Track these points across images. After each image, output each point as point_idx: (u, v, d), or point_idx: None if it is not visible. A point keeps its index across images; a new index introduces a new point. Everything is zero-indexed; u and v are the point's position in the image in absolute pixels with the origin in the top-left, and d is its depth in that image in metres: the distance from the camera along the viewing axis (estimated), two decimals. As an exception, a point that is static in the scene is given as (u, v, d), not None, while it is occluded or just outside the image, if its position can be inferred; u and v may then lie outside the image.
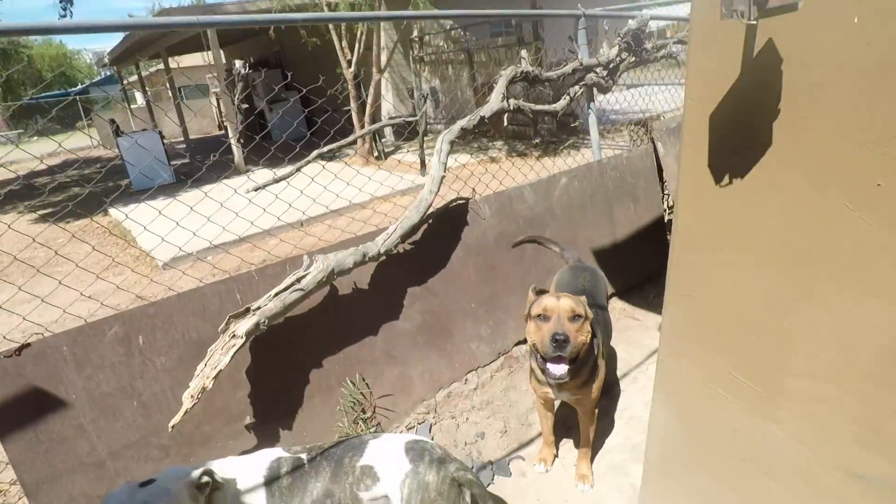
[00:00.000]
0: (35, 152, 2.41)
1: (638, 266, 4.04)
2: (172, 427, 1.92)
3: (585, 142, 9.69)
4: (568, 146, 9.65)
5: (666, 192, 4.67)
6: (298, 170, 2.94)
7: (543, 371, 1.94)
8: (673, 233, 1.66)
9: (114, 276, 5.32)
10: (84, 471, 1.93)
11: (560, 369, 1.86)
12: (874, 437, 1.30)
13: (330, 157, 10.42)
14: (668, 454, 1.85)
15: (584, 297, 2.03)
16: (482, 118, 3.07)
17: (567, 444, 2.53)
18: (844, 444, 1.37)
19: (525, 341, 3.34)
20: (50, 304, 2.21)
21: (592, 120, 4.07)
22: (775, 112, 1.28)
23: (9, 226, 2.27)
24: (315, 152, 3.00)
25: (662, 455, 1.87)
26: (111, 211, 7.97)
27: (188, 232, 2.96)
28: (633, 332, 3.42)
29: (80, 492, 1.93)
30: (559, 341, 1.82)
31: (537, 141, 10.18)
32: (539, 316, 1.93)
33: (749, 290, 1.46)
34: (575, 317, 1.91)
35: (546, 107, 3.86)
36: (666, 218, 4.54)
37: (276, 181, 2.97)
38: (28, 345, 1.80)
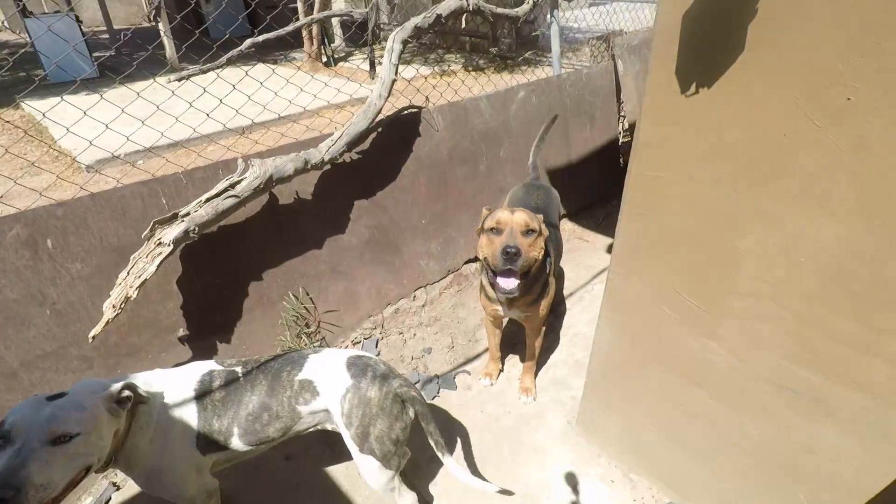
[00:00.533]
0: None
1: (590, 188, 4.03)
2: (93, 338, 1.77)
3: (544, 59, 9.36)
4: (526, 62, 9.30)
5: (622, 113, 4.59)
6: (229, 60, 2.62)
7: (493, 286, 1.88)
8: (633, 149, 1.58)
9: (30, 177, 4.83)
10: (-6, 382, 1.78)
11: (510, 283, 1.81)
12: (808, 354, 1.34)
13: (275, 60, 9.63)
14: (609, 368, 1.89)
15: (540, 216, 1.96)
16: (438, 16, 2.80)
17: (512, 360, 2.57)
18: (777, 360, 1.42)
19: (475, 259, 3.33)
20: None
21: (555, 29, 3.84)
22: (752, 11, 1.17)
23: None
24: (249, 41, 2.67)
25: (604, 369, 1.91)
26: (24, 104, 7.11)
27: (115, 133, 2.62)
28: (582, 253, 3.46)
29: (-8, 404, 1.78)
30: (510, 254, 1.75)
31: (494, 51, 9.72)
32: (492, 230, 1.85)
33: (704, 210, 1.42)
34: (528, 231, 1.85)
35: (508, 10, 3.58)
36: (620, 140, 4.50)
37: (204, 71, 2.65)
38: None
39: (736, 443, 1.61)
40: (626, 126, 4.48)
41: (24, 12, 8.56)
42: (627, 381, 1.85)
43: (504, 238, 1.80)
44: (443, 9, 2.83)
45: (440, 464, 2.03)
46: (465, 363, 2.55)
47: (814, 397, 1.38)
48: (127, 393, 1.35)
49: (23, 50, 9.48)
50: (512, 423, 2.19)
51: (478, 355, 2.60)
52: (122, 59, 8.83)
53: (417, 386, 2.29)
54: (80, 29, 8.86)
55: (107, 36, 11.77)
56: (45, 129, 6.21)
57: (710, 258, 1.46)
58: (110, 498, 1.97)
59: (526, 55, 9.60)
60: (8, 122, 6.46)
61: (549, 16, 3.85)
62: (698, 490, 1.78)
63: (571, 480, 1.94)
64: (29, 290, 1.79)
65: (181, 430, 1.49)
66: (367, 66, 8.79)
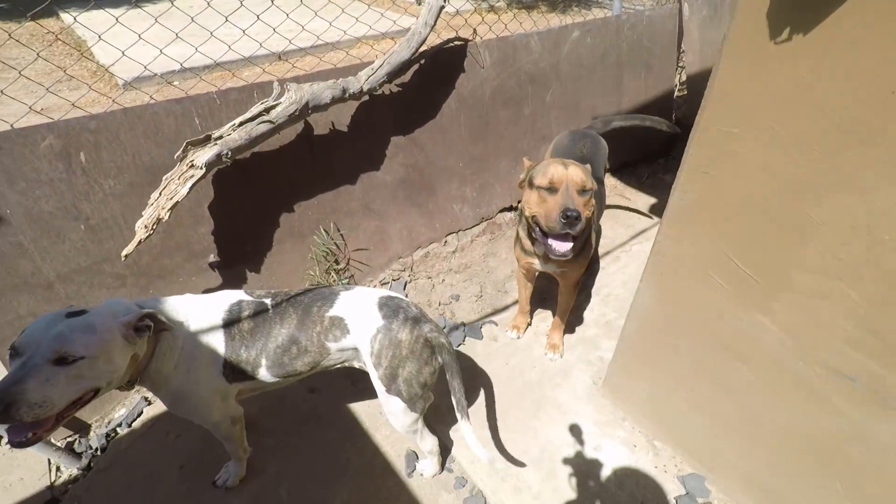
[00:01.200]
0: None
1: (637, 143, 3.80)
2: (125, 257, 1.76)
3: (600, 2, 8.74)
4: (578, 2, 8.70)
5: (681, 63, 4.26)
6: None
7: (544, 245, 1.75)
8: (704, 100, 1.42)
9: (68, 91, 4.81)
10: (30, 290, 1.80)
11: (564, 247, 1.68)
12: (874, 341, 1.24)
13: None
14: (645, 333, 1.81)
15: (588, 166, 1.82)
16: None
17: (540, 315, 2.52)
18: (836, 343, 1.31)
19: (510, 209, 3.21)
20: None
21: (620, -35, 3.51)
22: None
23: None
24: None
25: (640, 333, 1.84)
26: (63, 15, 7.02)
27: (151, 47, 2.52)
28: (621, 211, 3.30)
29: (28, 311, 1.81)
30: (570, 218, 1.61)
31: None
32: (545, 188, 1.71)
33: (779, 172, 1.28)
34: (584, 190, 1.70)
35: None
36: (676, 93, 4.20)
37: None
38: (-58, 146, 1.54)
39: (773, 423, 1.54)
40: (685, 78, 4.17)
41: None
42: (663, 348, 1.78)
43: (560, 199, 1.66)
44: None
45: (461, 410, 2.02)
46: (492, 314, 2.50)
47: (872, 387, 1.28)
48: (146, 322, 1.31)
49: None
50: (536, 379, 2.16)
51: (506, 307, 2.54)
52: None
53: (443, 332, 2.26)
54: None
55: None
56: (84, 42, 6.14)
57: (776, 226, 1.34)
58: (142, 412, 2.04)
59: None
60: (50, 31, 6.40)
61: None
62: (725, 465, 1.73)
63: (593, 441, 1.91)
64: (63, 203, 1.77)
65: (208, 357, 1.48)
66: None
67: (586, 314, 2.49)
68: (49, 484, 1.82)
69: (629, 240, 3.02)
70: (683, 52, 4.03)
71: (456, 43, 2.64)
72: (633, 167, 3.79)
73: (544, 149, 3.19)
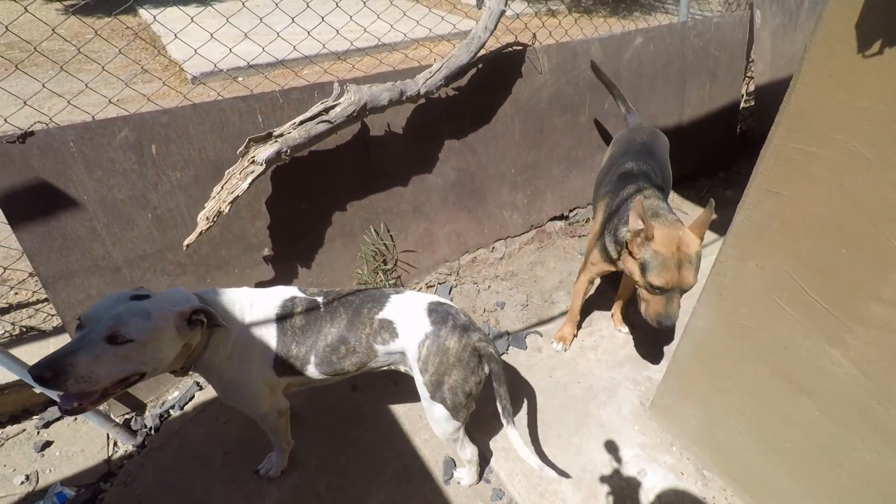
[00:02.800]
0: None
1: (697, 156, 3.66)
2: (187, 246, 1.83)
3: (659, 5, 8.48)
4: (640, 7, 8.46)
5: (750, 73, 4.07)
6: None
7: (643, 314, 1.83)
8: (780, 116, 1.34)
9: (142, 83, 5.08)
10: (100, 273, 1.91)
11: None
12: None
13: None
14: (700, 356, 1.73)
15: (698, 238, 1.80)
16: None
17: (585, 328, 2.45)
18: (918, 385, 1.21)
19: (561, 217, 3.15)
20: (60, 96, 2.02)
21: (690, -31, 3.38)
22: None
23: (25, 9, 1.97)
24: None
25: (694, 355, 1.76)
26: (142, 12, 7.44)
27: (220, 45, 2.63)
28: (678, 226, 3.18)
29: (98, 292, 1.92)
30: (664, 326, 1.75)
31: None
32: (654, 286, 1.73)
33: (862, 195, 1.19)
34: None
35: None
36: (742, 105, 4.02)
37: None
38: (32, 133, 1.65)
39: (839, 462, 1.44)
40: (752, 88, 3.99)
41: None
42: (719, 373, 1.69)
43: (663, 308, 1.74)
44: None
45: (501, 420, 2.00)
46: (537, 324, 2.46)
47: (958, 434, 1.18)
48: (200, 316, 1.35)
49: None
50: (580, 394, 2.11)
51: (552, 318, 2.49)
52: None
53: (487, 339, 2.24)
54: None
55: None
56: (158, 37, 6.48)
57: (855, 253, 1.24)
58: (194, 395, 2.12)
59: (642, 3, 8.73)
60: (128, 27, 6.79)
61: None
62: (781, 502, 1.63)
63: (637, 464, 1.84)
64: (134, 192, 1.87)
65: (260, 350, 1.52)
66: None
67: (636, 332, 2.40)
68: (107, 458, 1.92)
69: (685, 256, 2.90)
70: (752, 61, 3.85)
71: (515, 48, 2.62)
72: (691, 180, 3.65)
73: (599, 157, 3.12)
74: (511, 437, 1.54)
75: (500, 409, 1.55)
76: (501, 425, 1.96)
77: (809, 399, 1.44)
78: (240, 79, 5.17)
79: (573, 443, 1.92)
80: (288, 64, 4.61)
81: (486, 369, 1.55)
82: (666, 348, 2.29)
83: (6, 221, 1.70)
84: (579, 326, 2.41)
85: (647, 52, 3.11)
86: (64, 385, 1.13)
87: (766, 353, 1.52)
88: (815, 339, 1.39)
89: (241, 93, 2.08)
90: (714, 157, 3.76)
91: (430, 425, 1.66)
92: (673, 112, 3.42)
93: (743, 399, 1.63)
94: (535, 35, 2.93)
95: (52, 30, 2.11)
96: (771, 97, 3.68)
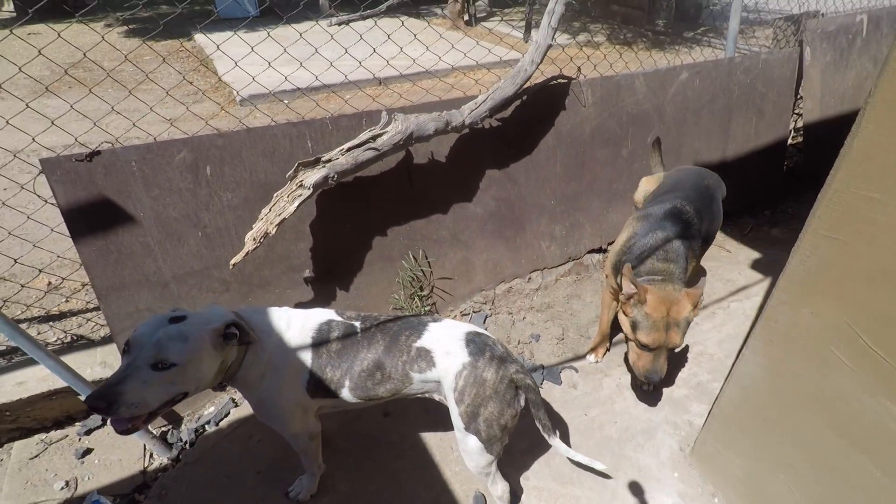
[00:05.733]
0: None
1: (741, 193, 3.56)
2: (233, 265, 1.88)
3: (707, 39, 8.43)
4: (683, 41, 8.42)
5: (798, 110, 3.98)
6: (388, 8, 2.59)
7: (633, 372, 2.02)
8: (841, 159, 1.30)
9: (194, 103, 5.31)
10: (150, 287, 1.97)
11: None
12: None
13: (418, 15, 9.67)
14: (747, 404, 1.66)
15: (698, 292, 1.86)
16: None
17: (623, 367, 2.38)
18: None
19: (599, 250, 3.12)
20: (124, 116, 2.13)
21: (737, 4, 3.35)
22: None
23: (102, 37, 2.11)
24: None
25: (740, 403, 1.68)
26: (196, 35, 7.83)
27: (271, 71, 2.75)
28: (721, 264, 3.10)
29: (146, 306, 1.98)
30: (651, 381, 1.90)
31: (661, 23, 8.80)
32: (641, 343, 1.86)
33: (930, 247, 1.14)
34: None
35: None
36: (789, 141, 3.92)
37: (363, 18, 2.65)
38: (98, 152, 1.74)
39: (901, 530, 1.34)
40: (800, 125, 3.89)
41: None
42: (767, 424, 1.62)
43: (650, 364, 1.87)
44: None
45: (535, 456, 1.96)
46: (573, 359, 2.41)
47: None
48: (232, 329, 1.40)
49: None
50: (617, 435, 2.04)
51: (587, 354, 2.44)
52: (279, 1, 9.38)
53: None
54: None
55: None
56: (211, 60, 6.80)
57: (920, 307, 1.18)
58: (229, 412, 2.15)
59: (692, 34, 8.69)
60: (189, 52, 7.16)
61: (731, -13, 3.37)
62: (833, 568, 1.53)
63: (676, 513, 1.77)
64: (187, 211, 1.94)
65: (294, 370, 1.54)
66: (513, 32, 8.51)
67: (675, 372, 2.33)
68: (142, 469, 1.96)
69: (727, 296, 2.82)
70: (801, 98, 3.77)
71: (559, 80, 2.64)
72: (736, 217, 3.55)
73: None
74: (555, 444, 1.61)
75: (540, 427, 1.58)
76: (533, 463, 1.92)
77: (868, 458, 1.36)
78: (285, 100, 5.36)
79: (609, 486, 1.86)
80: (334, 89, 4.77)
81: (522, 401, 1.53)
82: (708, 391, 2.21)
83: (68, 234, 1.78)
84: (611, 340, 2.39)
85: (692, 87, 3.09)
86: (116, 412, 1.22)
87: (819, 406, 1.45)
88: (873, 392, 1.31)
89: (287, 115, 2.15)
90: (759, 194, 3.66)
91: (463, 457, 1.63)
92: (717, 147, 3.37)
93: (794, 452, 1.55)
94: (579, 68, 2.95)
95: (125, 56, 2.25)
96: (820, 135, 3.58)
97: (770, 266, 3.01)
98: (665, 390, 2.24)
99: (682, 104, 3.09)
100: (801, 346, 1.46)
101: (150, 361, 1.26)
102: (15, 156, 2.08)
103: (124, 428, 1.27)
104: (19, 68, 2.07)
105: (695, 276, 2.15)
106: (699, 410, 2.12)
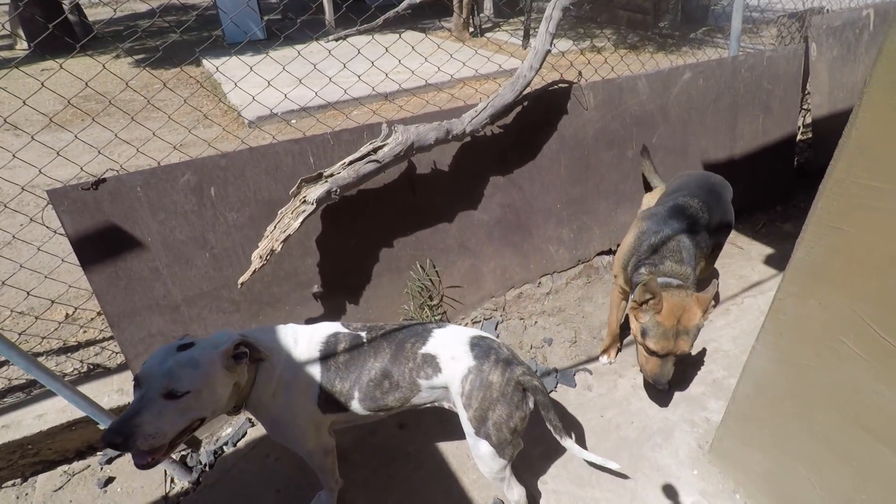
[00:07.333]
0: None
1: (752, 189, 3.53)
2: (242, 284, 1.90)
3: (709, 39, 8.39)
4: (689, 42, 8.39)
5: (806, 105, 3.94)
6: (385, 22, 2.64)
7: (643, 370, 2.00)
8: (840, 150, 1.29)
9: (203, 128, 5.43)
10: (161, 311, 2.00)
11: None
12: None
13: (423, 28, 9.79)
14: (761, 399, 1.63)
15: (706, 307, 1.85)
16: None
17: (632, 359, 2.35)
18: None
19: (608, 252, 3.10)
20: (129, 144, 2.19)
21: (739, 4, 3.34)
22: None
23: (103, 66, 2.17)
24: (406, 2, 2.66)
25: (755, 398, 1.65)
26: (203, 62, 8.01)
27: (276, 91, 2.81)
28: (733, 261, 3.06)
29: (158, 330, 2.01)
30: (659, 385, 1.92)
31: (664, 26, 8.76)
32: (651, 350, 1.87)
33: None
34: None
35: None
36: (798, 137, 3.87)
37: (360, 32, 2.69)
38: (104, 180, 1.78)
39: (930, 522, 1.30)
40: (809, 121, 3.84)
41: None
42: (783, 418, 1.58)
43: (658, 369, 1.88)
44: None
45: (552, 460, 1.93)
46: (586, 361, 2.39)
47: None
48: (242, 349, 1.40)
49: (207, 11, 10.71)
50: (634, 435, 2.01)
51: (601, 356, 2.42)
52: (286, 22, 9.59)
53: (534, 377, 2.20)
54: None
55: (276, 2, 12.83)
56: (218, 84, 6.94)
57: (931, 292, 1.16)
58: (246, 432, 2.17)
59: (697, 34, 8.65)
60: (191, 76, 7.32)
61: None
62: (863, 563, 1.48)
63: (698, 513, 1.73)
64: (194, 233, 1.97)
65: (304, 386, 1.54)
66: (512, 39, 8.57)
67: (690, 370, 2.29)
68: (164, 494, 1.97)
69: (741, 292, 2.77)
70: (808, 93, 3.72)
71: (560, 85, 2.65)
72: (747, 214, 3.51)
73: (644, 193, 3.06)
74: (567, 446, 1.63)
75: (551, 429, 1.58)
76: (549, 467, 1.90)
77: (887, 447, 1.33)
78: (293, 121, 5.44)
79: (628, 487, 1.83)
80: (338, 106, 4.85)
81: (531, 404, 1.52)
82: (725, 387, 2.17)
83: (79, 264, 1.82)
84: (622, 339, 2.37)
85: (695, 86, 3.07)
86: (134, 445, 1.21)
87: (835, 398, 1.42)
88: (889, 381, 1.28)
89: (295, 135, 2.18)
90: (770, 190, 3.62)
91: (476, 464, 1.62)
92: (724, 146, 3.34)
93: (812, 447, 1.52)
94: (580, 73, 2.95)
95: (126, 83, 2.31)
96: (830, 129, 3.53)
97: (782, 261, 2.94)
98: (681, 388, 2.21)
99: (686, 104, 3.08)
100: (811, 338, 1.44)
101: (162, 392, 1.26)
102: (23, 189, 2.14)
103: (145, 462, 1.27)
104: (23, 101, 2.10)
105: (707, 276, 2.14)
106: (716, 407, 2.08)
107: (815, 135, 3.59)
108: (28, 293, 2.24)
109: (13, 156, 2.08)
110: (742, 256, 3.10)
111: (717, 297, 2.77)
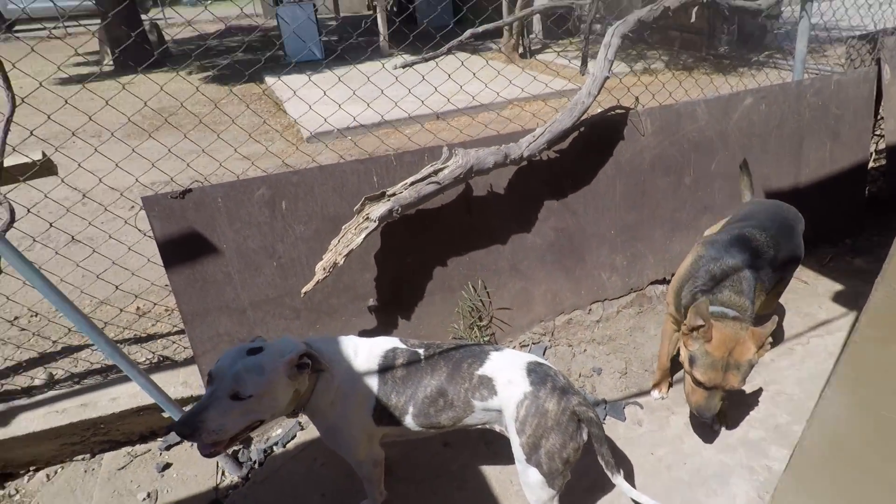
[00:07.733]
0: (213, 14, 2.42)
1: (819, 220, 3.37)
2: (304, 294, 1.99)
3: (770, 62, 8.13)
4: (747, 64, 8.16)
5: (879, 131, 3.76)
6: (449, 50, 2.73)
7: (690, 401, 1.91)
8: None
9: (265, 140, 5.68)
10: (229, 314, 2.12)
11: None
12: None
13: (473, 49, 9.96)
14: (835, 450, 1.55)
15: (761, 343, 1.76)
16: (666, 9, 2.56)
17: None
18: None
19: (662, 281, 3.03)
20: (210, 156, 2.33)
21: (804, 25, 3.24)
22: None
23: (161, 87, 2.35)
24: (469, 31, 2.74)
25: (826, 448, 1.57)
26: (267, 79, 8.42)
27: (334, 106, 2.94)
28: (798, 297, 2.93)
29: (225, 331, 2.13)
30: (703, 418, 1.84)
31: (723, 49, 8.58)
32: (697, 381, 1.79)
33: None
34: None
35: (748, 2, 3.12)
36: (871, 165, 3.69)
37: (424, 60, 2.79)
38: (191, 190, 1.92)
39: None
40: (882, 147, 3.66)
41: (276, 0, 10.16)
42: (862, 474, 1.50)
43: (704, 401, 1.80)
44: (671, 0, 2.57)
45: (596, 496, 1.90)
46: (637, 394, 2.33)
47: None
48: (305, 360, 1.48)
49: (270, 33, 11.30)
50: (686, 478, 1.95)
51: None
52: (343, 44, 9.99)
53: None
54: (315, 15, 10.19)
55: (334, 23, 13.37)
56: (281, 101, 7.28)
57: None
58: (296, 435, 2.24)
59: (756, 57, 8.43)
60: (254, 93, 7.72)
61: (800, 9, 3.27)
62: None
63: (755, 564, 1.65)
64: (264, 243, 2.08)
65: (361, 398, 1.59)
66: (561, 60, 8.59)
67: (750, 412, 2.20)
68: (215, 485, 2.06)
69: (806, 331, 2.65)
70: (881, 118, 3.56)
71: (617, 111, 2.64)
72: (813, 246, 3.35)
73: (704, 221, 2.98)
74: (618, 483, 1.59)
75: (603, 465, 1.56)
76: (597, 503, 1.86)
77: (978, 514, 1.24)
78: (348, 137, 5.63)
79: (679, 531, 1.77)
80: (392, 123, 4.99)
81: (585, 435, 1.51)
82: (788, 434, 2.07)
83: (160, 264, 1.96)
84: (672, 375, 2.33)
85: (757, 112, 3.00)
86: (199, 438, 1.33)
87: (917, 453, 1.34)
88: (983, 442, 1.20)
89: (350, 149, 2.27)
90: (839, 221, 3.46)
91: (524, 490, 1.61)
92: (788, 173, 3.23)
93: (889, 504, 1.43)
94: (637, 98, 2.94)
95: (215, 104, 2.47)
96: (905, 157, 3.36)
97: (854, 299, 2.82)
98: (739, 431, 2.12)
99: (747, 130, 3.01)
100: (894, 387, 1.36)
101: (229, 392, 1.36)
102: (122, 194, 2.33)
103: (208, 452, 1.38)
104: (89, 117, 2.27)
105: (770, 312, 2.05)
106: (779, 455, 1.99)
107: (890, 162, 3.42)
108: (116, 287, 2.41)
109: (116, 165, 2.27)
110: (808, 292, 2.96)
111: (777, 336, 2.65)
